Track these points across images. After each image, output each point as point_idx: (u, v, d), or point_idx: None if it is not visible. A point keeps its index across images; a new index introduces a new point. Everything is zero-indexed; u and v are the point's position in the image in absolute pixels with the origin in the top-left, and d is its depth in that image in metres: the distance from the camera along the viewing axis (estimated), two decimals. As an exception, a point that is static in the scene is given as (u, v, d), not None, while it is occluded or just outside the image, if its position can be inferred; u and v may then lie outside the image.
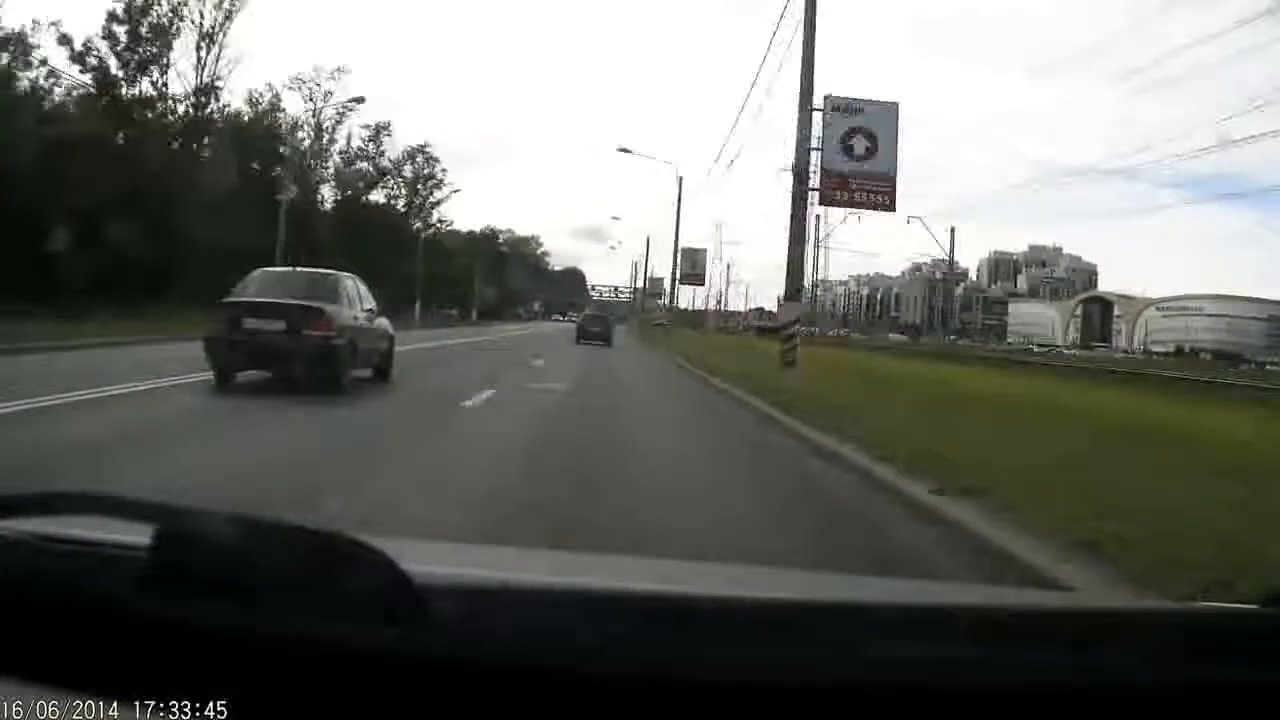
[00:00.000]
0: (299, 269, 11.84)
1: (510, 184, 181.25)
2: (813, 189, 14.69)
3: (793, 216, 14.51)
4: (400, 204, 61.57)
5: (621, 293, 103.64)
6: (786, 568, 3.09)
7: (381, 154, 55.48)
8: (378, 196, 58.57)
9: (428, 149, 60.18)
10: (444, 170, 62.68)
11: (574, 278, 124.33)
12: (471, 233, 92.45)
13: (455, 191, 64.60)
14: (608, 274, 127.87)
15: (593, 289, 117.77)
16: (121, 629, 0.82)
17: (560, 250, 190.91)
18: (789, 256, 14.58)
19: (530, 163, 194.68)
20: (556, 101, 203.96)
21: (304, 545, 0.81)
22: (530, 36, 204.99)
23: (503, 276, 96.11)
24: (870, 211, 15.94)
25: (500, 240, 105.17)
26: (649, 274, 70.29)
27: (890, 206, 15.52)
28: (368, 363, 11.97)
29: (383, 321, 12.71)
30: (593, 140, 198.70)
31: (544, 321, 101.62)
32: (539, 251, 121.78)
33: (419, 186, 62.02)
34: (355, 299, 11.73)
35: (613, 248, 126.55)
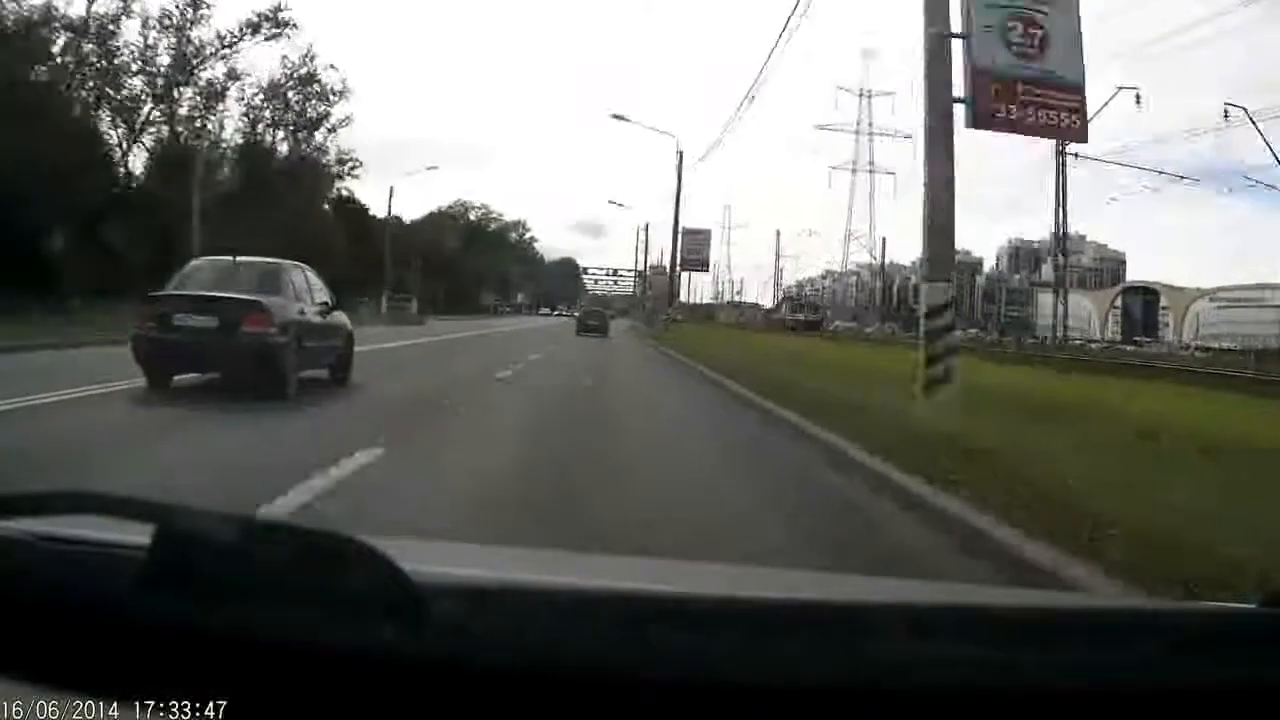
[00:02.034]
0: (241, 258, 11.59)
1: (504, 180, 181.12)
2: (958, 100, 9.36)
3: (930, 157, 9.49)
4: (266, 128, 40.78)
5: (622, 274, 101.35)
6: (786, 568, 3.15)
7: (195, 23, 36.27)
8: (234, 119, 39.58)
9: (283, 12, 38.38)
10: (337, 71, 42.56)
11: (568, 268, 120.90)
12: (443, 211, 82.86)
13: (343, 95, 42.73)
14: (607, 262, 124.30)
15: (585, 272, 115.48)
16: (121, 629, 0.87)
17: (557, 246, 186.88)
18: (929, 218, 9.45)
19: (524, 158, 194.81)
20: (549, 98, 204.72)
21: (303, 545, 0.86)
22: (522, 30, 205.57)
23: (470, 260, 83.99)
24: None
25: (469, 216, 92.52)
26: (647, 265, 66.16)
27: (1082, 135, 10.41)
28: (319, 363, 11.79)
29: (339, 316, 12.56)
30: (588, 120, 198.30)
31: (529, 316, 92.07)
32: (526, 237, 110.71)
33: (290, 95, 40.75)
34: (304, 291, 11.57)
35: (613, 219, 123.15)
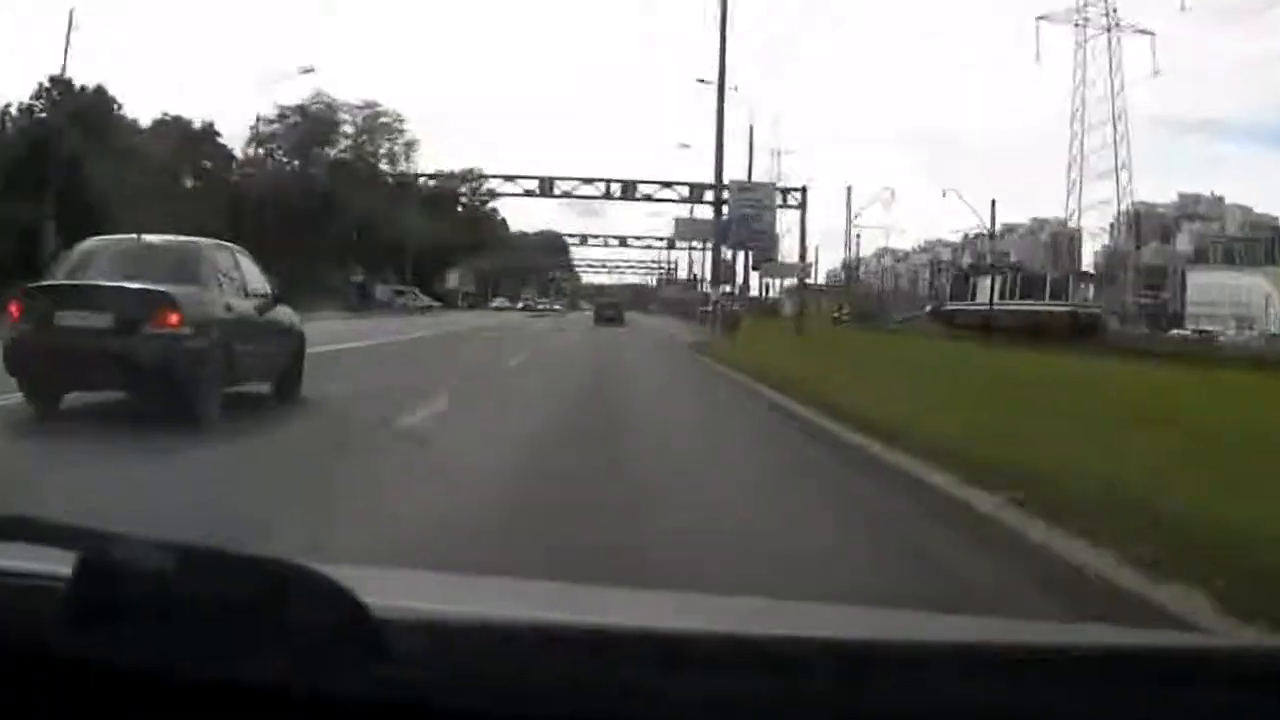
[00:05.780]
0: (145, 237, 10.57)
1: (482, 140, 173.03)
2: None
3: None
4: None
5: (631, 246, 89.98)
6: (772, 599, 2.43)
7: None
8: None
9: None
10: None
11: (549, 244, 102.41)
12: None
13: None
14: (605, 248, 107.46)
15: (572, 240, 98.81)
16: (40, 667, 0.90)
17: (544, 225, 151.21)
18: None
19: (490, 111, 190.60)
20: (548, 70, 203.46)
21: (246, 574, 0.88)
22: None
23: (339, 216, 55.70)
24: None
25: (342, 130, 62.55)
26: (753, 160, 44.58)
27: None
28: (256, 373, 10.60)
29: (284, 312, 11.45)
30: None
31: (461, 311, 62.22)
32: (482, 191, 72.18)
33: None
34: (232, 279, 10.35)
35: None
